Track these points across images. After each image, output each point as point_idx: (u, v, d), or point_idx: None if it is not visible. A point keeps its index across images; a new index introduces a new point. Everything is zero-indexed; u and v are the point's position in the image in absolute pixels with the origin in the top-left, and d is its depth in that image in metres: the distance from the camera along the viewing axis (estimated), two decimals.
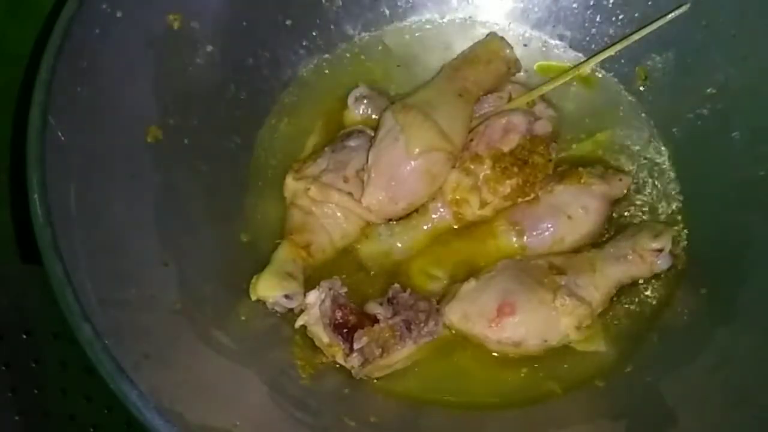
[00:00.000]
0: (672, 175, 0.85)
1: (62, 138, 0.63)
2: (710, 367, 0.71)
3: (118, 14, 0.69)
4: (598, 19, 0.90)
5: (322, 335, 0.74)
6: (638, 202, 0.84)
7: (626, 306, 0.79)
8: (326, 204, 0.79)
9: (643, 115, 0.88)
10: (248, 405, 0.67)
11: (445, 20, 0.93)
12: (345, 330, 0.73)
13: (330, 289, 0.74)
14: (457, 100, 0.81)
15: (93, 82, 0.67)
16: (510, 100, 0.85)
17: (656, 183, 0.84)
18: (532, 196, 0.80)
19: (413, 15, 0.93)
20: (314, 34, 0.90)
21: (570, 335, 0.75)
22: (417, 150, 0.76)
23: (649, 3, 0.86)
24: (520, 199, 0.81)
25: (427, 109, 0.78)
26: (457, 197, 0.80)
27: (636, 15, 0.87)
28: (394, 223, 0.81)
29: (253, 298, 0.75)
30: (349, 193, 0.79)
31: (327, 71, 0.90)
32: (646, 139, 0.87)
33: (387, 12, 0.92)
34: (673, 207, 0.83)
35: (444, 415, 0.74)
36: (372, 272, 0.80)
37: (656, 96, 0.87)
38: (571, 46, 0.91)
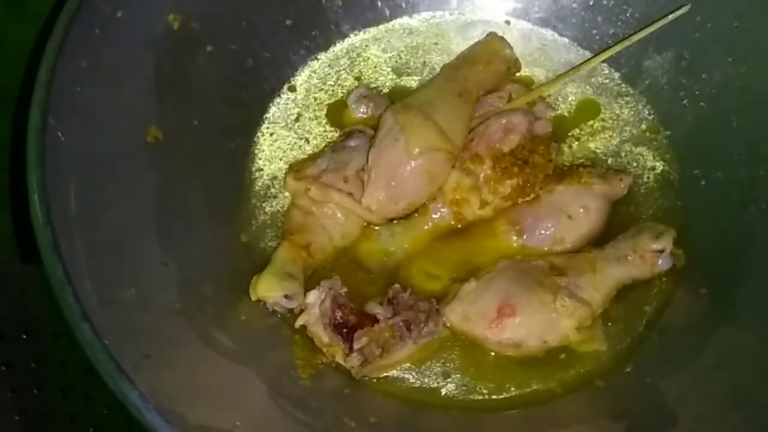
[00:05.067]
0: (672, 175, 0.85)
1: (62, 138, 0.63)
2: (710, 367, 0.71)
3: (118, 14, 0.69)
4: (598, 19, 0.90)
5: (322, 335, 0.74)
6: (638, 202, 0.83)
7: (626, 306, 0.78)
8: (326, 204, 0.79)
9: (643, 114, 0.88)
10: (248, 405, 0.67)
11: (445, 20, 0.93)
12: (345, 330, 0.73)
13: (330, 289, 0.74)
14: (457, 100, 0.81)
15: (93, 82, 0.67)
16: (510, 100, 0.85)
17: (656, 183, 0.84)
18: (533, 196, 0.80)
19: (413, 14, 0.93)
20: (314, 34, 0.90)
21: (570, 336, 0.75)
22: (417, 150, 0.76)
23: (650, 3, 0.86)
24: (520, 199, 0.80)
25: (427, 109, 0.78)
26: (458, 197, 0.80)
27: (636, 15, 0.87)
28: (395, 223, 0.81)
29: (253, 298, 0.75)
30: (349, 193, 0.79)
31: (327, 71, 0.90)
32: (646, 138, 0.87)
33: (387, 12, 0.92)
34: (673, 207, 0.83)
35: (444, 416, 0.74)
36: (372, 272, 0.80)
37: (656, 96, 0.87)
38: (571, 46, 0.91)
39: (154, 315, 0.67)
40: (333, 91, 0.90)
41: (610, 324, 0.78)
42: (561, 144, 0.86)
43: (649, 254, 0.77)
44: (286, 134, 0.87)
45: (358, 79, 0.90)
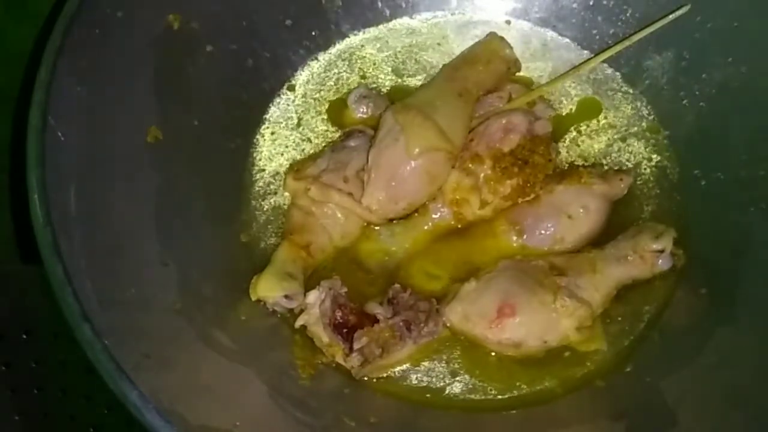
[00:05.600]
0: (672, 174, 0.85)
1: (62, 138, 0.63)
2: (710, 367, 0.71)
3: (118, 14, 0.70)
4: (598, 19, 0.90)
5: (322, 335, 0.74)
6: (638, 202, 0.83)
7: (626, 306, 0.78)
8: (326, 204, 0.79)
9: (643, 114, 0.88)
10: (248, 405, 0.67)
11: (444, 20, 0.93)
12: (345, 330, 0.73)
13: (330, 289, 0.74)
14: (457, 100, 0.81)
15: (93, 82, 0.67)
16: (510, 100, 0.85)
17: (656, 183, 0.84)
18: (533, 196, 0.80)
19: (413, 14, 0.93)
20: (314, 34, 0.90)
21: (570, 336, 0.75)
22: (417, 150, 0.76)
23: (650, 3, 0.86)
24: (520, 199, 0.80)
25: (427, 110, 0.78)
26: (458, 197, 0.80)
27: (636, 15, 0.87)
28: (395, 223, 0.81)
29: (253, 298, 0.75)
30: (349, 193, 0.79)
31: (327, 71, 0.90)
32: (646, 138, 0.87)
33: (387, 12, 0.92)
34: (674, 207, 0.83)
35: (444, 416, 0.74)
36: (372, 272, 0.80)
37: (656, 96, 0.87)
38: (571, 46, 0.91)
39: (154, 315, 0.67)
40: (333, 91, 0.90)
41: (610, 324, 0.78)
42: (561, 144, 0.86)
43: (649, 254, 0.77)
44: (286, 134, 0.87)
45: (358, 79, 0.90)
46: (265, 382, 0.69)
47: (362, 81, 0.90)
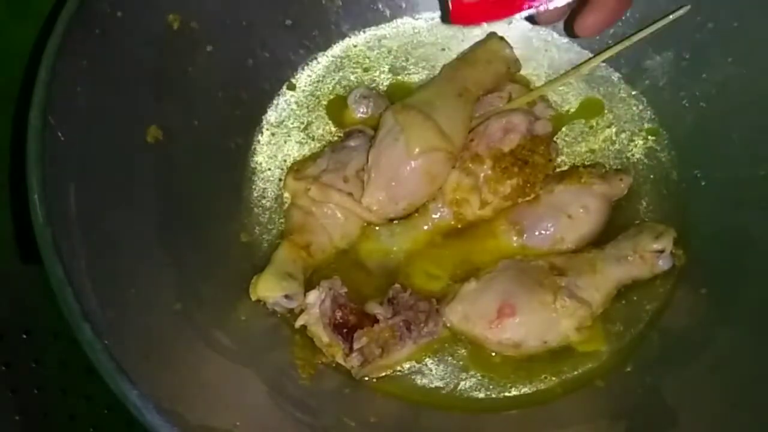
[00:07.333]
0: (672, 174, 0.85)
1: (62, 138, 0.63)
2: (710, 367, 0.71)
3: (118, 14, 0.69)
4: None
5: (322, 335, 0.74)
6: (639, 202, 0.83)
7: (626, 306, 0.78)
8: (326, 204, 0.79)
9: (643, 114, 0.88)
10: (248, 405, 0.67)
11: (445, 20, 0.93)
12: (345, 330, 0.73)
13: (330, 289, 0.75)
14: (457, 100, 0.81)
15: (93, 82, 0.67)
16: (510, 100, 0.85)
17: (657, 183, 0.84)
18: (533, 196, 0.80)
19: (413, 14, 0.92)
20: (314, 34, 0.90)
21: (570, 336, 0.75)
22: (417, 150, 0.76)
23: (650, 3, 0.85)
24: (520, 199, 0.81)
25: (427, 110, 0.78)
26: (458, 197, 0.80)
27: (636, 15, 0.87)
28: (395, 223, 0.81)
29: (253, 298, 0.75)
30: (349, 193, 0.79)
31: (327, 71, 0.90)
32: (646, 138, 0.87)
33: (387, 12, 0.92)
34: (674, 207, 0.83)
35: (444, 416, 0.74)
36: (372, 272, 0.80)
37: (656, 96, 0.87)
38: (571, 46, 0.91)
39: (154, 315, 0.67)
40: (333, 90, 0.90)
41: (610, 324, 0.78)
42: (561, 144, 0.86)
43: (649, 254, 0.77)
44: (285, 134, 0.87)
45: (357, 79, 0.90)
46: (265, 382, 0.69)
47: (362, 81, 0.90)
